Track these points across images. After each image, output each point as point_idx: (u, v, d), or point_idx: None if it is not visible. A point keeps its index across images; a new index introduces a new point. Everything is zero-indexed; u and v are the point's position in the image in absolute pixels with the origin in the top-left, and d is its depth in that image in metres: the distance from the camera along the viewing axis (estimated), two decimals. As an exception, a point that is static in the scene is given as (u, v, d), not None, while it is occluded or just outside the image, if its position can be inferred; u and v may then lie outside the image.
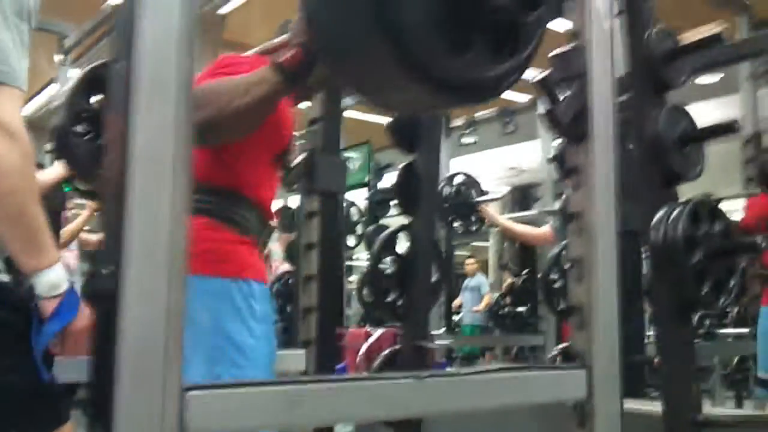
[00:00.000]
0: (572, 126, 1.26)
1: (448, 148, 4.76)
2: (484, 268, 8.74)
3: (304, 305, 1.90)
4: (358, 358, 2.65)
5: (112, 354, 0.71)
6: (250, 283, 1.36)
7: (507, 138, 5.78)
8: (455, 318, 7.48)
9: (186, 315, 1.29)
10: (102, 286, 0.74)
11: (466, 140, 5.66)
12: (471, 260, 8.34)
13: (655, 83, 1.54)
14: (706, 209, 1.51)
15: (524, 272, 5.67)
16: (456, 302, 7.65)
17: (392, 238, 2.32)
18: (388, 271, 2.24)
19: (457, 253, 7.22)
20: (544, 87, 1.23)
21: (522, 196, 8.50)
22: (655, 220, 1.51)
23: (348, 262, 5.84)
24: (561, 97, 1.25)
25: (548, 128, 2.05)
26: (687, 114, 1.56)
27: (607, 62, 1.29)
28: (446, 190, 4.10)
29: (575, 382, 1.23)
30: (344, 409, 0.93)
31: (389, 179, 4.85)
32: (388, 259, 2.25)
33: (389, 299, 2.22)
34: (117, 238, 0.73)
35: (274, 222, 1.51)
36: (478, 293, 7.93)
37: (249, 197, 1.42)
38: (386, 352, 2.16)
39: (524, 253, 5.71)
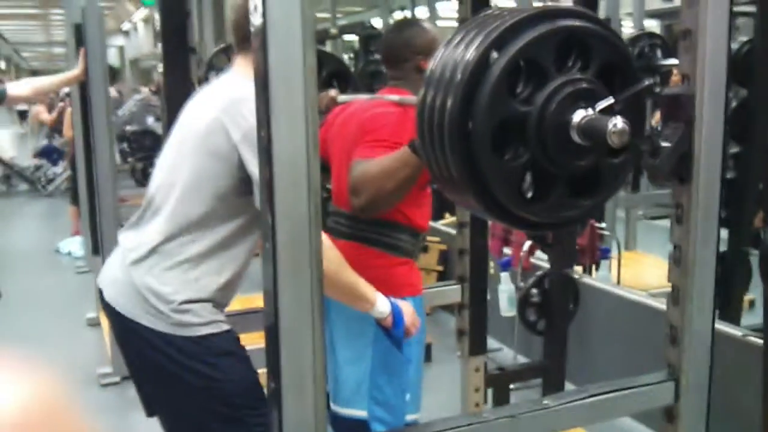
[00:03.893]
0: (674, 171, 1.28)
1: None
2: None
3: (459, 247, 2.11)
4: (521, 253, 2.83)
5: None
6: (406, 300, 1.65)
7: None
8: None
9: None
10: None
11: None
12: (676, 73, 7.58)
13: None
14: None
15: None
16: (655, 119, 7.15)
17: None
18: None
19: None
20: (647, 139, 1.25)
21: None
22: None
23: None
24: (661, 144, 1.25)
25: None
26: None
27: (720, 106, 1.25)
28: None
29: (663, 393, 1.38)
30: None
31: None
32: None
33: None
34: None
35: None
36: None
37: (405, 224, 1.73)
38: (536, 277, 2.35)
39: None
